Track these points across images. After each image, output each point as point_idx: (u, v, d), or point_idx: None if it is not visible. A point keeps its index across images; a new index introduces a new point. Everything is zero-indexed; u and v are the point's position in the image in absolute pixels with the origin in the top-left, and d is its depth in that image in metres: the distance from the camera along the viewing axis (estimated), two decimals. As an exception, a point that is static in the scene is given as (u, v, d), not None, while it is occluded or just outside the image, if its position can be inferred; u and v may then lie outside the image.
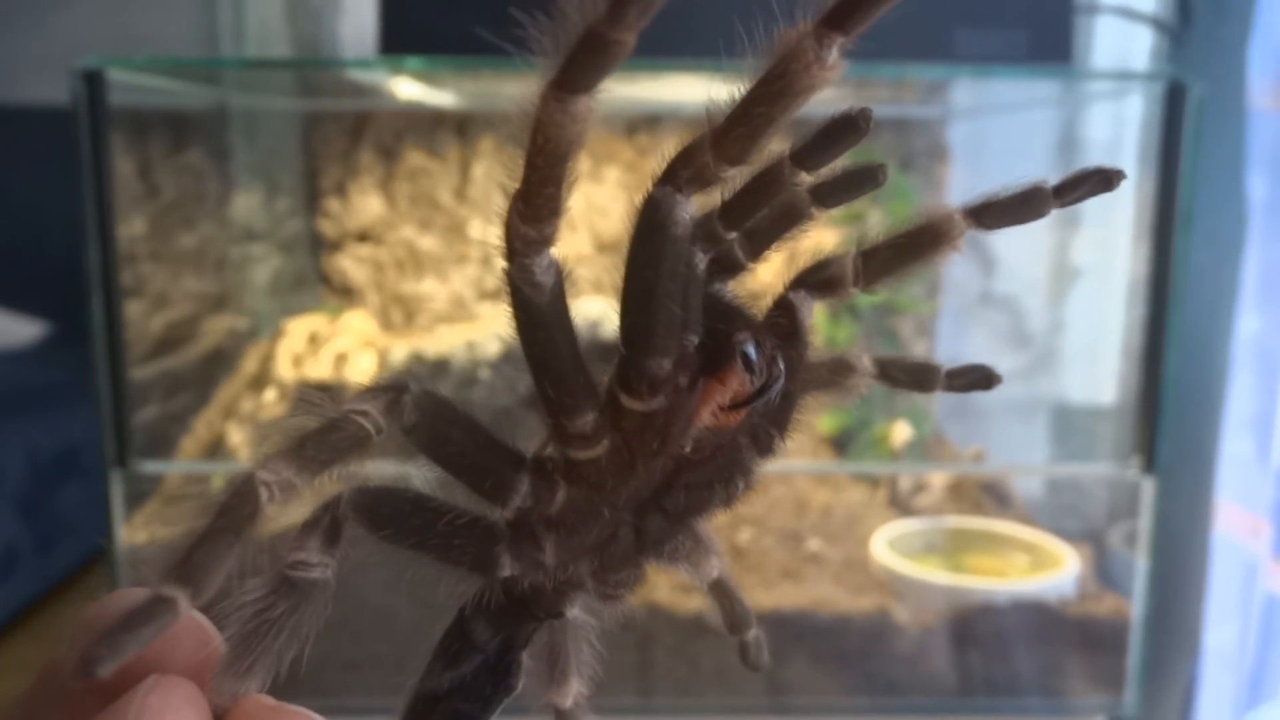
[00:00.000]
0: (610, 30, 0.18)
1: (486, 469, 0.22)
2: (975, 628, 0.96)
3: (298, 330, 1.18)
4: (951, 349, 1.28)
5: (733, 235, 0.23)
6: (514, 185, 0.20)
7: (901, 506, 1.12)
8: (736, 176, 0.22)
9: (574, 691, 0.23)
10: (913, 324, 1.26)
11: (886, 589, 1.00)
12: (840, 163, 0.23)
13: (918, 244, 0.23)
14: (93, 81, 0.82)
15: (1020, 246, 1.30)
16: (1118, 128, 1.22)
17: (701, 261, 0.22)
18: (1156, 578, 0.93)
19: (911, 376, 0.27)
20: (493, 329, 1.10)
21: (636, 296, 0.21)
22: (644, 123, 1.27)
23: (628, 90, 1.12)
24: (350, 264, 1.31)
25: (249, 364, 1.19)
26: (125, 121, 0.96)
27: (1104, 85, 1.19)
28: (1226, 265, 0.97)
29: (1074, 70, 1.00)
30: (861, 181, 0.23)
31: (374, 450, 0.22)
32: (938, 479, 1.14)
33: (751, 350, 0.22)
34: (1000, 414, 1.30)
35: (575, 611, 0.23)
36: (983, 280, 1.29)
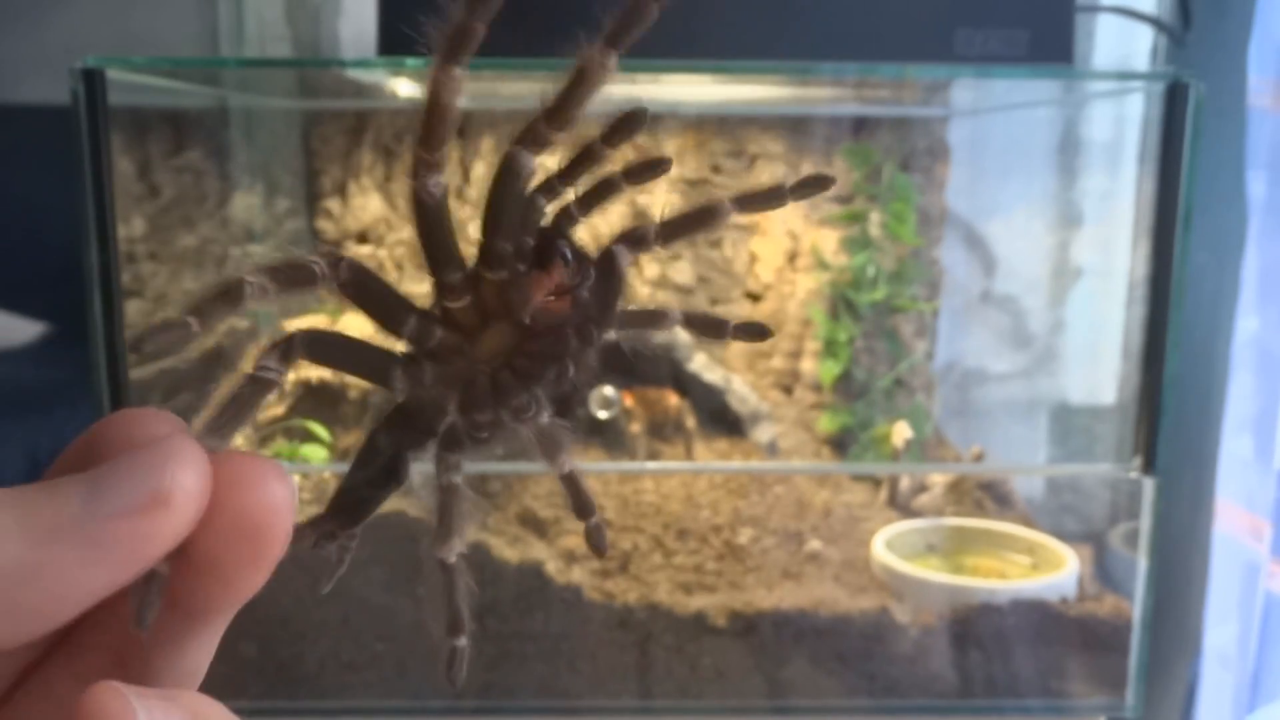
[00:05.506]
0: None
1: (388, 311, 0.33)
2: (975, 628, 0.96)
3: (298, 330, 1.17)
4: (951, 349, 1.28)
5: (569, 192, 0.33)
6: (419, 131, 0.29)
7: (901, 507, 1.12)
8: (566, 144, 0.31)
9: (456, 549, 0.29)
10: (913, 323, 1.26)
11: (886, 589, 1.00)
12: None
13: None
14: (92, 81, 0.82)
15: (1020, 246, 1.30)
16: (1118, 128, 1.22)
17: (544, 204, 0.32)
18: (1157, 578, 0.93)
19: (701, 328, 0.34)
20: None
21: (492, 204, 0.31)
22: (644, 123, 1.27)
23: (628, 90, 1.12)
24: (350, 264, 1.31)
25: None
26: (125, 121, 0.96)
27: (1104, 85, 1.19)
28: (1226, 265, 0.97)
29: (1074, 70, 1.00)
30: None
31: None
32: (938, 479, 1.14)
33: (567, 252, 0.32)
34: (1000, 414, 1.30)
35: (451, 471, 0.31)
36: (983, 280, 1.29)
